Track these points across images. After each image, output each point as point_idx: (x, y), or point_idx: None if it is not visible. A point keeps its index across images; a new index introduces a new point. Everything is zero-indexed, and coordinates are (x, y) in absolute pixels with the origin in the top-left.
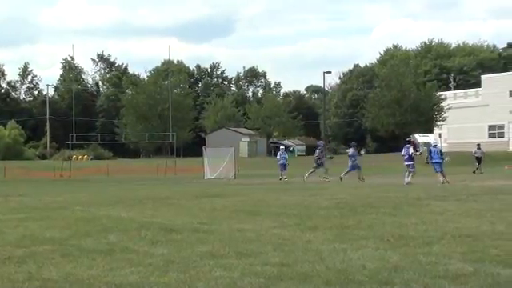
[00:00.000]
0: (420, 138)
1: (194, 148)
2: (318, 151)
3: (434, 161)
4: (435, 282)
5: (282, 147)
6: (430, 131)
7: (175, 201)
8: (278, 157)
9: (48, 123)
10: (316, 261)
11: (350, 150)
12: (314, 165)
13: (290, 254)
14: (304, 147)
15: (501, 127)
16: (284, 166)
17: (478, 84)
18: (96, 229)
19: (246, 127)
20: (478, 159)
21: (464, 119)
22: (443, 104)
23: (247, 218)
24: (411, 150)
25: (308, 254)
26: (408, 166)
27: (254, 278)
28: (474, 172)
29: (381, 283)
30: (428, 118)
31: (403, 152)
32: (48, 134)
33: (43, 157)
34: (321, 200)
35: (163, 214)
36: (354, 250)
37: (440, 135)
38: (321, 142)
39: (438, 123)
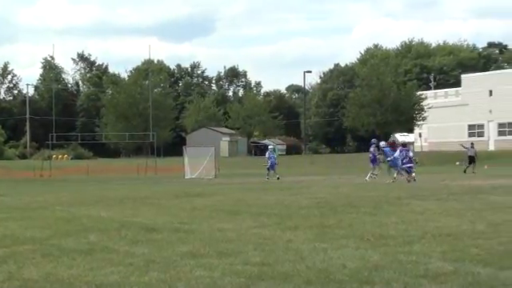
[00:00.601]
0: (400, 137)
1: (174, 148)
2: (372, 149)
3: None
4: (415, 282)
5: (270, 147)
6: (411, 131)
7: (155, 200)
8: (267, 156)
9: (28, 123)
10: (296, 260)
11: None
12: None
13: (271, 253)
14: (284, 147)
15: (480, 126)
16: (272, 166)
17: (458, 83)
18: (76, 228)
19: (226, 126)
20: (471, 158)
21: (444, 119)
22: (423, 103)
23: (228, 217)
24: (411, 154)
25: (288, 253)
26: (409, 167)
27: (235, 277)
28: (474, 172)
29: (361, 282)
30: (408, 118)
31: (398, 154)
32: (28, 133)
33: (23, 156)
34: (301, 199)
35: (143, 214)
36: (334, 249)
37: (420, 135)
38: (374, 140)
39: (419, 123)
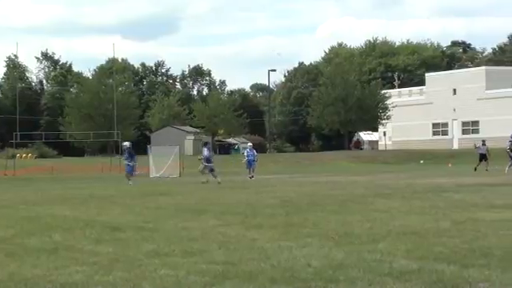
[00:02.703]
0: (365, 136)
1: (138, 146)
2: (509, 143)
3: None
4: (380, 280)
5: (249, 144)
6: (375, 129)
7: (120, 199)
8: (246, 154)
9: None
10: (261, 259)
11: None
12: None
13: (235, 252)
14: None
15: (444, 125)
16: (250, 163)
17: (422, 82)
18: (40, 227)
19: (191, 125)
20: (482, 156)
21: (408, 117)
22: (388, 102)
23: (192, 216)
24: None
25: (253, 252)
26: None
27: (200, 276)
28: (475, 169)
29: (326, 281)
30: (373, 116)
31: (206, 153)
32: None
33: None
34: (266, 198)
35: (108, 213)
36: (299, 247)
37: (384, 133)
38: None
39: (383, 121)
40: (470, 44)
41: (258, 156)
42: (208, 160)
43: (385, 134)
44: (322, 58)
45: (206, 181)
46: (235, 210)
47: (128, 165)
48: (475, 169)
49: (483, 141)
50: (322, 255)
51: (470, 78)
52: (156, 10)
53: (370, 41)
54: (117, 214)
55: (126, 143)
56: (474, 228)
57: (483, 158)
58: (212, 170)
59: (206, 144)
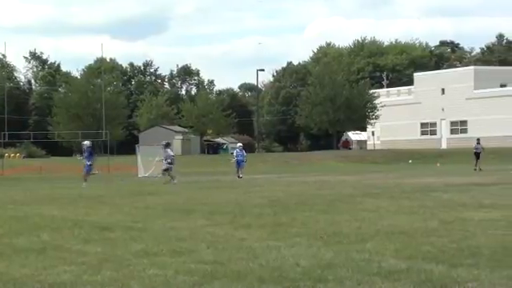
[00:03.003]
0: (353, 135)
1: (127, 146)
2: None
3: None
4: (369, 279)
5: (239, 145)
6: (364, 129)
7: (108, 199)
8: (235, 154)
9: None
10: (250, 258)
11: None
12: None
13: (224, 251)
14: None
15: (433, 125)
16: (239, 163)
17: (410, 82)
18: (28, 227)
19: (179, 125)
20: (477, 155)
21: (397, 117)
22: (376, 102)
23: (180, 215)
24: None
25: (241, 251)
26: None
27: (188, 276)
28: (478, 169)
29: (314, 280)
30: (361, 116)
31: (170, 155)
32: None
33: None
34: (254, 198)
35: (97, 213)
36: (287, 247)
37: (373, 133)
38: None
39: (371, 121)
40: (458, 44)
41: (247, 156)
42: (172, 161)
43: (373, 133)
44: (311, 58)
45: (176, 181)
46: (224, 210)
47: (88, 164)
48: (475, 169)
49: (478, 139)
50: (311, 255)
51: (458, 77)
52: (144, 9)
53: (358, 40)
54: (105, 213)
55: (87, 142)
56: (462, 227)
57: (477, 156)
58: (166, 170)
59: (168, 145)
